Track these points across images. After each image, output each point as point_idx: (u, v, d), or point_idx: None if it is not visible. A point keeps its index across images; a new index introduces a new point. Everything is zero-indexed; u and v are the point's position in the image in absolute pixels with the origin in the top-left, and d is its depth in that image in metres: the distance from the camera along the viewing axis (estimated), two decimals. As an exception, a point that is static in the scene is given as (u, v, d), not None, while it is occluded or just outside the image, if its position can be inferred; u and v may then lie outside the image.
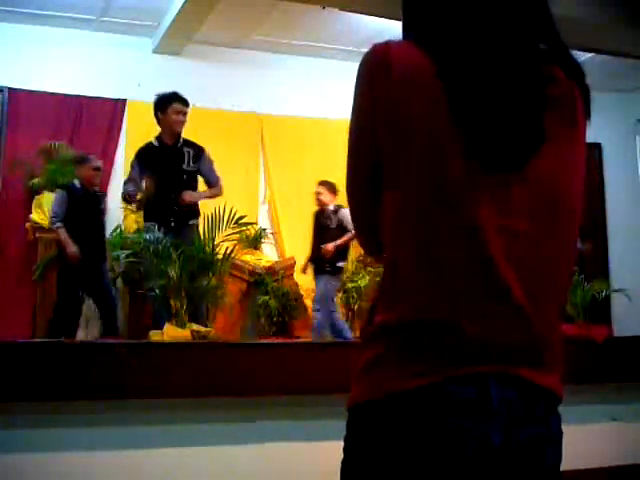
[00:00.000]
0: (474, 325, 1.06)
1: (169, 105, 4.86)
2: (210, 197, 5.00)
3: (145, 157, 4.92)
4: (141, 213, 6.11)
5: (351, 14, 6.37)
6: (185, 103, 4.92)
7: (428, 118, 1.08)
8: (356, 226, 1.30)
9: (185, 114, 4.91)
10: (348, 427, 1.14)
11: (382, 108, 1.11)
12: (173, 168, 4.86)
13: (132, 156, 6.50)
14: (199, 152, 4.97)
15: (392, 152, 1.12)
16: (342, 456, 1.15)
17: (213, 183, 5.03)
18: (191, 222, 4.80)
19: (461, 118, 1.07)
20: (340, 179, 7.89)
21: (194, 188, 4.96)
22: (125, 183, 5.06)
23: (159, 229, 4.62)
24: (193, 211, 4.86)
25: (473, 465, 1.04)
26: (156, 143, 4.95)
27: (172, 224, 4.68)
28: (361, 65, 1.15)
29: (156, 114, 4.89)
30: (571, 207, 1.16)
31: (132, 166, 5.00)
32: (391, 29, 7.56)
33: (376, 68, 1.13)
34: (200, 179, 5.06)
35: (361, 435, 1.12)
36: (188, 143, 4.97)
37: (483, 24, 1.11)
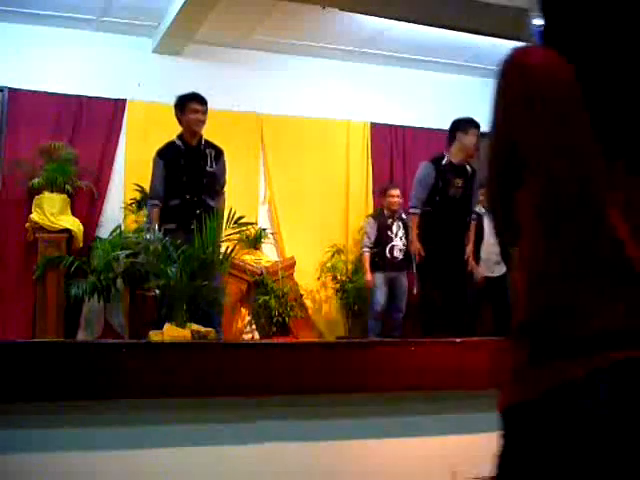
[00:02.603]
0: (617, 316, 1.08)
1: (187, 104, 4.84)
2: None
3: (169, 156, 4.86)
4: (141, 213, 6.12)
5: (351, 14, 6.37)
6: (202, 102, 4.89)
7: (568, 119, 1.12)
8: (494, 218, 1.35)
9: (204, 113, 4.87)
10: (506, 429, 1.14)
11: (521, 109, 1.16)
12: (196, 169, 4.82)
13: (132, 156, 6.55)
14: (219, 153, 4.97)
15: (533, 151, 1.16)
16: (499, 459, 1.15)
17: (221, 185, 4.97)
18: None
19: (602, 119, 1.09)
20: (339, 178, 7.87)
21: (215, 190, 4.91)
22: (152, 187, 4.87)
23: (178, 231, 4.57)
24: (213, 213, 4.68)
25: None
26: (179, 143, 4.90)
27: (192, 227, 4.52)
28: (499, 69, 1.20)
29: (176, 115, 4.89)
30: None
31: (156, 165, 4.86)
32: (391, 29, 7.56)
33: (514, 70, 1.17)
34: None
35: (521, 437, 1.12)
36: (209, 144, 4.96)
37: (623, 27, 1.13)
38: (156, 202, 4.85)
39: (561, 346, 1.10)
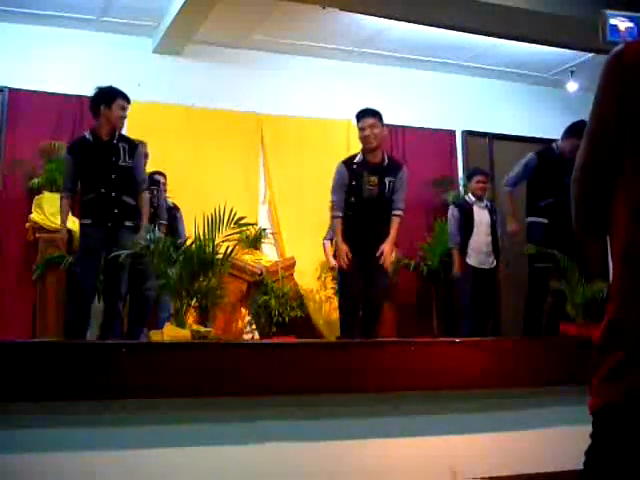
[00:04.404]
0: None
1: (115, 100, 4.79)
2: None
3: (78, 152, 4.79)
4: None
5: (351, 14, 6.37)
6: (129, 100, 4.87)
7: None
8: (581, 211, 1.28)
9: (126, 111, 4.87)
10: (603, 428, 1.14)
11: (627, 103, 1.16)
12: (107, 164, 4.73)
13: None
14: (134, 147, 4.88)
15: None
16: (597, 458, 1.16)
17: (139, 181, 4.85)
18: (127, 223, 4.68)
19: None
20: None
21: (130, 185, 4.79)
22: (63, 182, 4.93)
23: (94, 227, 4.61)
24: (132, 212, 4.74)
25: None
26: (90, 137, 4.82)
27: (109, 224, 4.61)
28: (606, 64, 1.20)
29: (97, 107, 4.79)
30: None
31: (66, 162, 4.86)
32: (391, 29, 7.53)
33: (626, 61, 1.17)
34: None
35: (621, 436, 1.11)
36: (123, 138, 4.90)
37: None
38: (66, 194, 4.87)
39: None
